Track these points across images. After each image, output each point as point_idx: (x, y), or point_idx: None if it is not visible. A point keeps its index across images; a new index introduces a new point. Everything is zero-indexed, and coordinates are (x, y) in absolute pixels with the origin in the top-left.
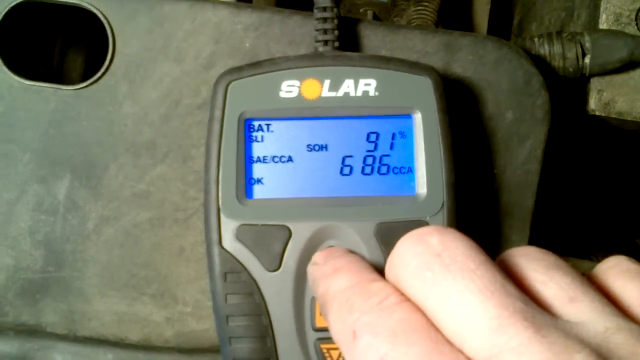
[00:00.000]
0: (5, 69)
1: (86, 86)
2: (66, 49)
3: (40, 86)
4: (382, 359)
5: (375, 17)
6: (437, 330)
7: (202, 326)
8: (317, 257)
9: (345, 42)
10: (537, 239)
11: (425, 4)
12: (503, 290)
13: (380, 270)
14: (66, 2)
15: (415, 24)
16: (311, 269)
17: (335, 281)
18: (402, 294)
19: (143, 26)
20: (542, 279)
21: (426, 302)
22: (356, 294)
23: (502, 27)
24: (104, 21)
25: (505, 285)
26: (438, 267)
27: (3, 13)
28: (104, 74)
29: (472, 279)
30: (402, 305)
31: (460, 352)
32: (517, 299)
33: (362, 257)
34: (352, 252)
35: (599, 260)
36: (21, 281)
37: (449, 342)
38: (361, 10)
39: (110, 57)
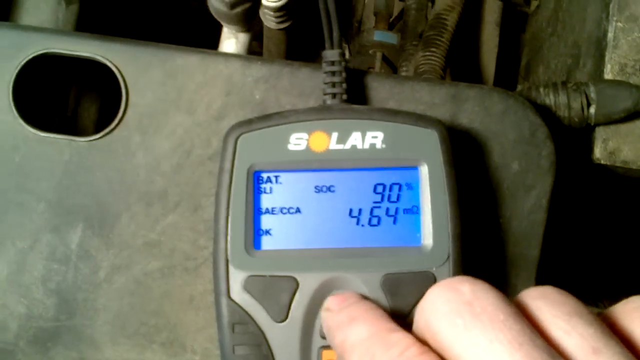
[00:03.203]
0: (20, 120)
1: (100, 137)
2: (80, 97)
3: (54, 137)
4: None
5: (385, 59)
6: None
7: None
8: (331, 303)
9: (354, 94)
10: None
11: (433, 49)
12: (531, 343)
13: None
14: (80, 56)
15: (423, 69)
16: (325, 316)
17: (352, 331)
18: (423, 345)
19: (156, 78)
20: (565, 328)
21: (453, 348)
22: (376, 344)
23: (510, 69)
24: (117, 74)
25: (533, 338)
26: (469, 315)
27: (19, 67)
28: (117, 125)
29: (502, 329)
30: (424, 356)
31: None
32: (544, 351)
33: (376, 304)
34: (365, 297)
35: (605, 306)
36: (33, 329)
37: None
38: (370, 51)
39: (123, 108)
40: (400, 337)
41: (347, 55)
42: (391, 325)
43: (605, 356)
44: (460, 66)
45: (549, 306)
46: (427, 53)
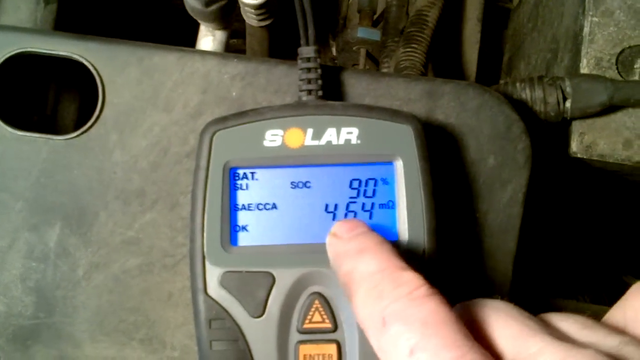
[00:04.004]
0: None
1: (77, 136)
2: (59, 96)
3: (31, 136)
4: (412, 348)
5: (369, 55)
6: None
7: None
8: (338, 228)
9: (330, 91)
10: (522, 281)
11: (414, 45)
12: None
13: None
14: (57, 55)
15: (403, 65)
16: (332, 241)
17: (361, 263)
18: (433, 287)
19: (133, 77)
20: (561, 317)
21: None
22: (385, 280)
23: (492, 64)
24: (94, 72)
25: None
26: None
27: None
28: (94, 123)
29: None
30: (433, 297)
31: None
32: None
33: (384, 239)
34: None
35: (585, 300)
36: (12, 327)
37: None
38: (354, 48)
39: (100, 107)
40: (410, 276)
41: (334, 53)
42: (401, 263)
43: (596, 330)
44: (442, 62)
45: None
46: (408, 49)
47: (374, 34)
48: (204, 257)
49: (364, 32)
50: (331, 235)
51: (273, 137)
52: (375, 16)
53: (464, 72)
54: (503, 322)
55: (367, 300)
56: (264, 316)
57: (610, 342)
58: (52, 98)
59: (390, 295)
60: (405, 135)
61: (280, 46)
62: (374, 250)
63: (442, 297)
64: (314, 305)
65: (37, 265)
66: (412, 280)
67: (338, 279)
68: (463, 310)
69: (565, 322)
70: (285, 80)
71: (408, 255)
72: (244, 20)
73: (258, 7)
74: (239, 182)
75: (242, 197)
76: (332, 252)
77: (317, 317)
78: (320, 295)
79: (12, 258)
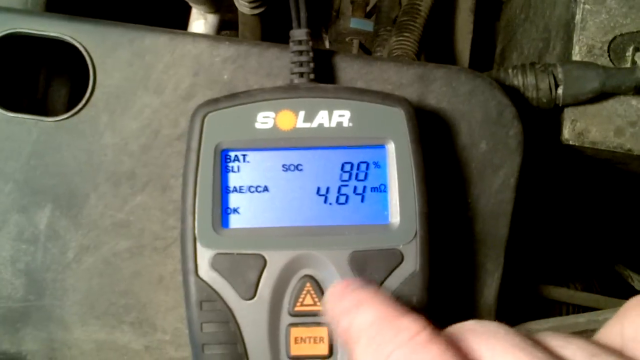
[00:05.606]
0: None
1: (67, 117)
2: (50, 79)
3: (22, 118)
4: None
5: (362, 46)
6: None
7: (180, 354)
8: (334, 289)
9: (322, 74)
10: (514, 267)
11: (407, 34)
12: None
13: None
14: (48, 36)
15: (395, 54)
16: (328, 305)
17: (359, 316)
18: (435, 329)
19: (124, 58)
20: (563, 343)
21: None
22: (384, 329)
23: (485, 55)
24: (85, 54)
25: (535, 346)
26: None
27: None
28: (84, 105)
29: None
30: (436, 341)
31: None
32: (545, 353)
33: (381, 289)
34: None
35: (577, 288)
36: (2, 310)
37: None
38: (347, 39)
39: (91, 89)
40: (410, 321)
41: (326, 45)
42: (399, 309)
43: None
44: (435, 53)
45: (545, 336)
46: (400, 38)
47: (367, 25)
48: (195, 239)
49: (357, 23)
50: (327, 296)
51: (265, 120)
52: (369, 8)
53: (457, 62)
54: (506, 356)
55: (368, 351)
56: (255, 299)
57: None
58: (43, 82)
59: (392, 343)
60: (397, 118)
61: (272, 35)
62: (369, 302)
63: (445, 341)
64: (306, 288)
65: (27, 248)
66: (412, 325)
67: (338, 340)
68: (459, 340)
69: (569, 350)
70: (276, 63)
71: (399, 238)
72: (236, 11)
73: None
74: (230, 164)
75: (234, 180)
76: (329, 314)
77: (308, 300)
78: (311, 278)
79: (2, 240)
